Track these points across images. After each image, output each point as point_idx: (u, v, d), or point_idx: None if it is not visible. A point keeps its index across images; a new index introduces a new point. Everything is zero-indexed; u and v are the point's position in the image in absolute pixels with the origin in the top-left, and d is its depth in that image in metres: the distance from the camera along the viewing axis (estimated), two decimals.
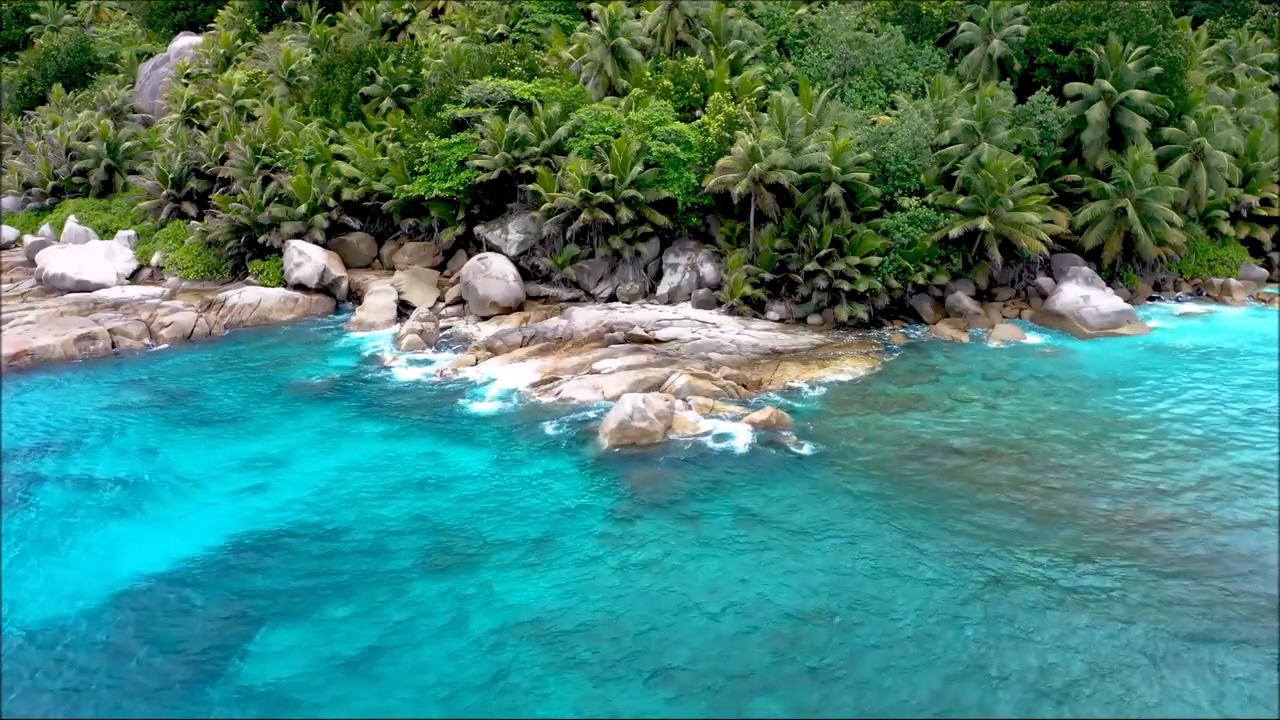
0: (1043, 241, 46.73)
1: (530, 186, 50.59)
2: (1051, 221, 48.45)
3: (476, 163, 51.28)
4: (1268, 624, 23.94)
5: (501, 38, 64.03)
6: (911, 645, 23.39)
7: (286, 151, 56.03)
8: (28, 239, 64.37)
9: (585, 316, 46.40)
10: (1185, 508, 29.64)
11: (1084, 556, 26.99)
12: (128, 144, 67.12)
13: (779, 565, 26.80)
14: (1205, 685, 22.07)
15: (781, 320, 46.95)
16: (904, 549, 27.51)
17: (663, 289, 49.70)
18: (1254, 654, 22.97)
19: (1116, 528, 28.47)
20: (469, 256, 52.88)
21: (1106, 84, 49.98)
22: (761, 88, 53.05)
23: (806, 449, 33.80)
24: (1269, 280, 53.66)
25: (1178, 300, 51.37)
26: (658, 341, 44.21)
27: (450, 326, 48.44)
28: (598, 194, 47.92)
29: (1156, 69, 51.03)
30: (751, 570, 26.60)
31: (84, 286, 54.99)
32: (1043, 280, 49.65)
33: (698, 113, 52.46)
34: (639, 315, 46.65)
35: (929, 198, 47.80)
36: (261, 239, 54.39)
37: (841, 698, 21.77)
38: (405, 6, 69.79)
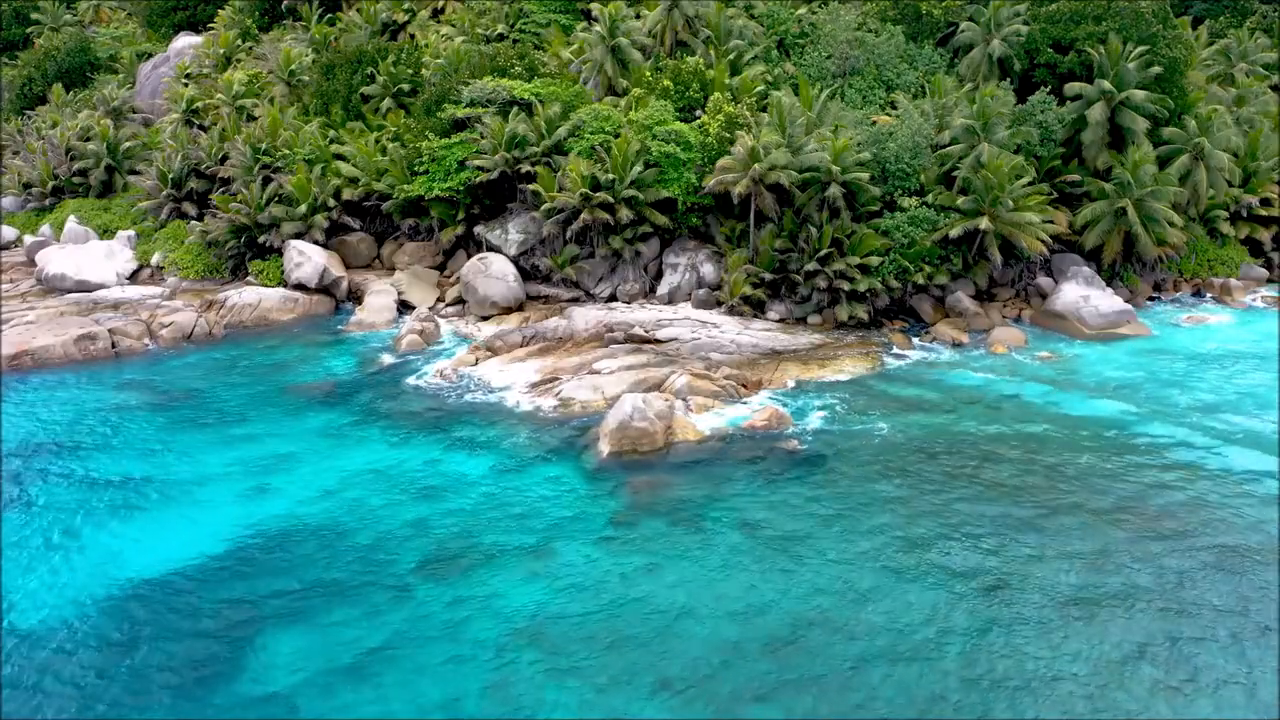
0: (1043, 241, 46.69)
1: (530, 186, 50.56)
2: (1051, 221, 48.40)
3: (476, 163, 51.26)
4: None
5: (501, 38, 63.98)
6: (913, 650, 23.39)
7: (286, 151, 56.00)
8: (28, 239, 64.31)
9: (585, 316, 46.39)
10: (1187, 507, 29.67)
11: (1088, 560, 27.00)
12: (128, 144, 67.08)
13: (779, 568, 26.80)
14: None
15: (781, 320, 46.94)
16: (906, 551, 27.51)
17: (663, 289, 49.68)
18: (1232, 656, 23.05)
19: (1119, 529, 28.48)
20: (469, 256, 52.85)
21: (1106, 84, 49.92)
22: (761, 88, 53.00)
23: (806, 450, 33.79)
24: (1269, 280, 53.64)
25: (1177, 300, 51.34)
26: (658, 341, 44.21)
27: (450, 326, 48.45)
28: (598, 194, 47.90)
29: (1156, 69, 50.97)
30: (752, 573, 26.59)
31: (84, 286, 54.98)
32: (1043, 280, 49.63)
33: (698, 113, 52.40)
34: (639, 315, 46.63)
35: (929, 198, 47.75)
36: (261, 239, 54.38)
37: (843, 703, 21.78)
38: (405, 6, 69.72)
